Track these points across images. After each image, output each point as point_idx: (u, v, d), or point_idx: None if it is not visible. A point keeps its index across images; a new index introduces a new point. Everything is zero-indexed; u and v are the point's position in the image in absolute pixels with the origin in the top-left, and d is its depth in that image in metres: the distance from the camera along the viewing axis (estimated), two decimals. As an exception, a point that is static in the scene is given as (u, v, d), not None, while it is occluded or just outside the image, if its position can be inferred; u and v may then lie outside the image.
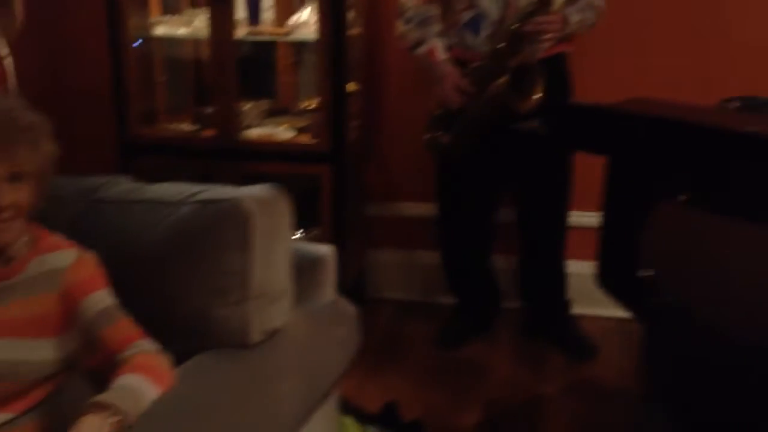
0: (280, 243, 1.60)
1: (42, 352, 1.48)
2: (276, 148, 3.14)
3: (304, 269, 1.75)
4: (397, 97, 3.37)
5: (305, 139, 3.18)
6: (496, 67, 2.72)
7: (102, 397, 1.32)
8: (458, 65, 2.81)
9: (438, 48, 2.83)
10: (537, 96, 2.69)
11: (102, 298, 1.51)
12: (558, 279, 3.03)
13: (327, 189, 3.06)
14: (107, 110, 3.24)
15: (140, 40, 3.23)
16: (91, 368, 1.51)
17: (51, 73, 3.59)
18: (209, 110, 3.41)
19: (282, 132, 3.28)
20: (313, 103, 3.34)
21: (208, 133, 3.25)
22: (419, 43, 2.86)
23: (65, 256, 1.53)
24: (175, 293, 1.56)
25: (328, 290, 1.81)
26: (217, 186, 1.68)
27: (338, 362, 1.77)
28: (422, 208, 3.38)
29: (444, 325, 3.16)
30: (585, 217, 3.04)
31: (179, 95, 3.57)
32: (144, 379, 1.38)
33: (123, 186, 1.78)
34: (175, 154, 3.18)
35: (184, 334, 1.56)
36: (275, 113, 3.48)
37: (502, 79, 2.69)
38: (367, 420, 2.24)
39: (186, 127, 3.38)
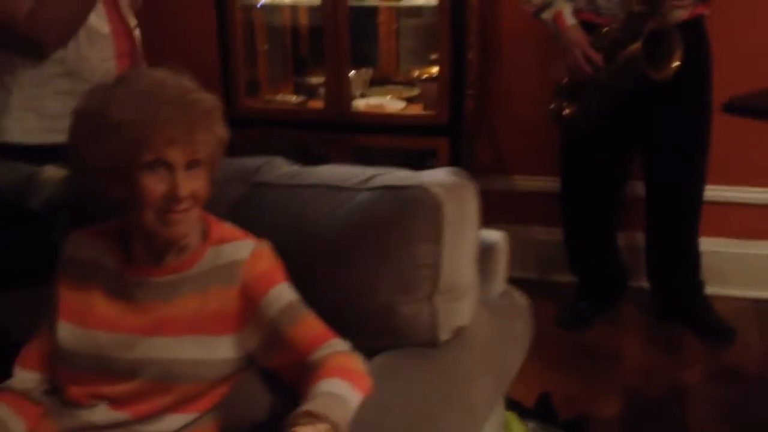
0: (468, 234, 1.47)
1: (222, 350, 1.38)
2: (387, 121, 3.00)
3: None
4: (513, 65, 3.20)
5: (417, 110, 3.03)
6: (629, 31, 2.53)
7: (313, 407, 1.21)
8: (587, 30, 2.63)
9: (565, 12, 2.65)
10: (675, 64, 2.51)
11: (283, 293, 1.39)
12: (691, 258, 2.87)
13: (443, 163, 2.91)
14: (213, 82, 3.12)
15: (262, 1, 3.12)
16: (273, 368, 1.40)
17: (154, 44, 3.47)
18: (312, 80, 3.29)
19: (390, 103, 3.14)
20: (425, 72, 3.19)
21: (315, 104, 3.12)
22: (544, 6, 2.68)
23: (242, 248, 1.42)
24: (360, 287, 1.43)
25: (499, 280, 1.67)
26: (388, 170, 1.55)
27: (516, 359, 1.64)
28: (537, 182, 3.22)
29: (565, 305, 3.02)
30: (719, 191, 2.88)
31: (278, 65, 3.44)
32: (346, 385, 1.27)
33: (283, 168, 1.66)
34: (282, 127, 3.06)
35: (367, 332, 1.44)
36: (377, 83, 3.34)
37: (636, 45, 2.51)
38: (527, 415, 2.12)
39: (288, 98, 3.26)
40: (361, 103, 3.09)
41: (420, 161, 3.03)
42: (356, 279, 1.43)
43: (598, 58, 2.58)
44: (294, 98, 3.24)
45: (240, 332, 1.38)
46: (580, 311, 2.97)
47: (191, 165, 1.34)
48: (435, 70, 3.05)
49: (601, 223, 2.95)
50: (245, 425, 1.43)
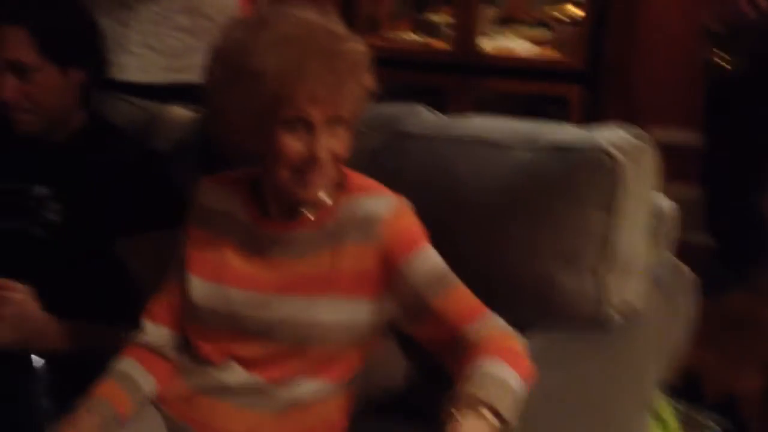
0: (644, 204, 1.30)
1: (358, 313, 1.27)
2: (516, 64, 2.81)
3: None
4: (655, 6, 2.94)
5: (549, 53, 2.82)
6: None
7: (475, 390, 1.08)
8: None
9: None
10: None
11: (428, 258, 1.26)
12: None
13: (576, 113, 2.71)
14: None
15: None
16: (417, 338, 1.28)
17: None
18: (435, 18, 3.11)
19: (518, 45, 2.94)
20: (558, 12, 2.97)
21: (438, 44, 2.95)
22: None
23: (381, 203, 1.28)
24: (515, 254, 1.29)
25: (667, 252, 1.50)
26: (552, 125, 1.38)
27: (683, 339, 1.47)
28: (672, 135, 2.98)
29: (701, 270, 2.80)
30: None
31: (398, 1, 3.27)
32: (509, 370, 1.13)
33: (428, 118, 1.51)
34: (401, 68, 2.90)
35: (521, 303, 1.30)
36: (503, 22, 3.13)
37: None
38: (674, 395, 1.96)
39: (408, 36, 3.09)
40: (487, 44, 2.90)
41: (544, 108, 2.84)
42: (511, 245, 1.29)
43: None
44: (415, 37, 3.08)
45: (377, 296, 1.26)
46: (718, 277, 2.75)
47: (333, 122, 1.22)
48: (571, 9, 2.83)
49: (747, 182, 2.70)
50: (382, 396, 1.32)
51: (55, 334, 1.50)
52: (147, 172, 1.65)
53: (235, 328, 1.29)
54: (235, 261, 1.32)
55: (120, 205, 1.59)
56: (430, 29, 3.07)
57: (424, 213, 1.29)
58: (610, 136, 1.29)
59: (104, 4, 1.93)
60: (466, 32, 2.77)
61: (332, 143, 1.22)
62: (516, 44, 2.92)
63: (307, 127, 1.20)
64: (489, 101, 2.85)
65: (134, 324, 1.37)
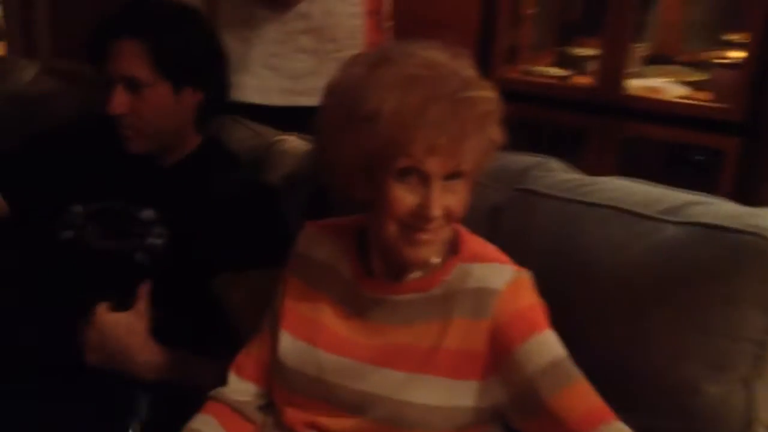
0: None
1: (463, 397, 1.12)
2: (665, 108, 2.57)
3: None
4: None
5: (703, 98, 2.57)
6: None
7: None
8: None
9: None
10: None
11: (547, 345, 1.09)
12: None
13: (731, 168, 2.45)
14: (469, 46, 2.83)
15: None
16: None
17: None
18: (580, 51, 2.91)
19: (669, 87, 2.70)
20: (717, 55, 2.71)
21: (581, 80, 2.75)
22: None
23: (498, 273, 1.13)
24: (654, 350, 1.11)
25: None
26: (705, 197, 1.19)
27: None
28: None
29: None
30: None
31: (541, 31, 3.09)
32: None
33: (560, 174, 1.34)
34: (540, 104, 2.72)
35: (655, 410, 1.11)
36: (653, 61, 2.89)
37: None
38: None
39: (547, 70, 2.91)
40: (634, 84, 2.68)
41: (694, 160, 2.60)
42: (649, 339, 1.11)
43: None
44: (555, 71, 2.89)
45: (484, 380, 1.11)
46: None
47: (452, 176, 1.08)
48: (732, 53, 2.57)
49: None
50: None
51: (148, 361, 1.42)
52: (256, 207, 1.57)
53: (324, 397, 1.17)
54: (330, 321, 1.20)
55: (225, 237, 1.50)
56: (573, 63, 2.88)
57: (546, 287, 1.13)
58: (774, 218, 1.09)
59: (228, 22, 1.87)
60: (612, 69, 2.56)
61: (448, 199, 1.08)
62: (667, 86, 2.69)
63: (422, 179, 1.07)
64: (632, 146, 2.63)
65: (225, 363, 1.28)
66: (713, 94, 2.55)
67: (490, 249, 1.18)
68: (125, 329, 1.41)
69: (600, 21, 2.62)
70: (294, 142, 1.73)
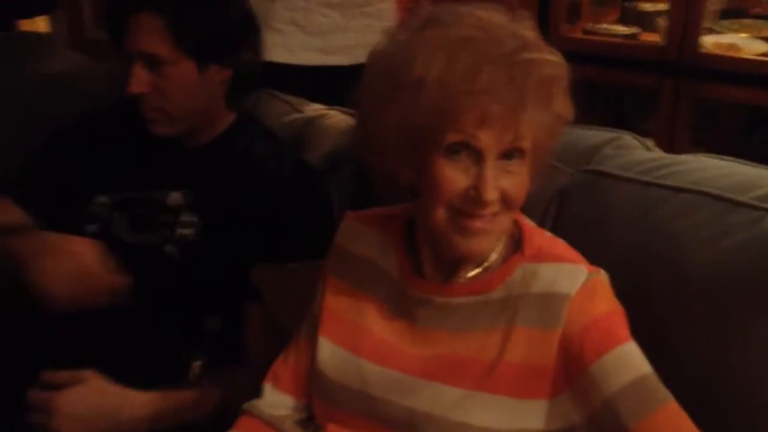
0: None
1: (529, 419, 0.97)
2: (744, 67, 2.35)
3: None
4: None
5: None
6: None
7: None
8: None
9: None
10: None
11: (628, 360, 0.93)
12: None
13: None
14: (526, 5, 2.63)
15: None
16: None
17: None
18: (648, 6, 2.69)
19: (746, 43, 2.46)
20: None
21: (650, 37, 2.54)
22: None
23: (570, 276, 0.97)
24: (757, 365, 0.93)
25: None
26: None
27: None
28: None
29: None
30: None
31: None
32: None
33: (636, 153, 1.17)
34: (605, 65, 2.51)
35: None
36: (729, 15, 2.65)
37: None
38: None
39: (614, 28, 2.69)
40: (708, 41, 2.45)
41: None
42: (753, 352, 0.93)
43: None
44: (621, 28, 2.68)
45: (554, 398, 0.96)
46: None
47: (509, 155, 0.92)
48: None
49: None
50: None
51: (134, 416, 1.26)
52: (297, 190, 1.42)
53: (369, 413, 1.03)
54: (376, 327, 1.06)
55: (263, 224, 1.37)
56: (640, 20, 2.66)
57: (623, 288, 0.97)
58: None
59: None
60: (684, 25, 2.34)
61: (505, 182, 0.93)
62: (744, 42, 2.46)
63: (474, 156, 0.92)
64: (707, 110, 2.41)
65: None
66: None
67: (560, 246, 1.02)
68: (91, 396, 1.25)
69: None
70: (335, 117, 1.58)
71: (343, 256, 1.12)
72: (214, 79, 1.41)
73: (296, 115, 1.63)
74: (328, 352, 1.07)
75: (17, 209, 1.49)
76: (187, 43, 1.36)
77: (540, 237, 1.02)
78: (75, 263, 1.29)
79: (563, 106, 0.95)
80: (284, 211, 1.38)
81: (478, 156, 0.92)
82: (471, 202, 0.93)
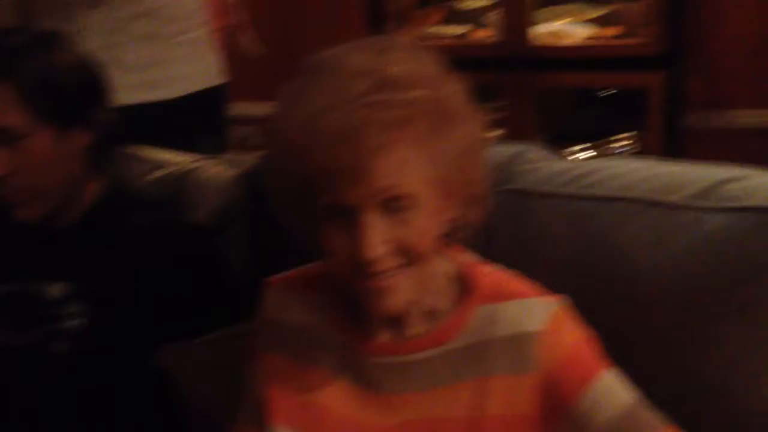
0: None
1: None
2: (571, 53, 2.43)
3: None
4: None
5: (612, 33, 2.44)
6: None
7: None
8: None
9: None
10: None
11: (613, 391, 0.90)
12: None
13: (655, 104, 2.33)
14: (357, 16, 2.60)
15: None
16: None
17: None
18: (471, 3, 2.73)
19: (572, 29, 2.55)
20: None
21: (482, 34, 2.57)
22: None
23: (533, 311, 0.93)
24: (728, 375, 0.93)
25: None
26: (733, 168, 1.02)
27: None
28: (758, 117, 2.62)
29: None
30: None
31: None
32: None
33: (548, 165, 1.15)
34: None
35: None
36: (548, 3, 2.74)
37: None
38: None
39: (443, 29, 2.71)
40: (537, 31, 2.51)
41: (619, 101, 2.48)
42: (717, 359, 0.93)
43: None
44: (450, 29, 2.70)
45: None
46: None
47: (391, 206, 0.85)
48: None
49: None
50: None
51: None
52: (188, 257, 1.31)
53: None
54: (333, 402, 0.97)
55: (158, 301, 1.24)
56: (469, 18, 2.69)
57: (578, 310, 0.94)
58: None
59: (43, 12, 1.59)
60: (513, 20, 2.39)
61: (399, 232, 0.85)
62: (570, 27, 2.54)
63: (349, 215, 0.84)
64: (546, 95, 2.47)
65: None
66: (624, 28, 2.42)
67: (515, 280, 0.97)
68: None
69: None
70: (211, 169, 1.47)
71: (275, 329, 1.02)
72: (76, 145, 1.27)
73: (161, 172, 1.50)
74: (292, 441, 0.97)
75: None
76: (44, 109, 1.20)
77: (491, 274, 0.97)
78: None
79: (459, 134, 0.87)
80: (177, 282, 1.27)
81: (352, 214, 0.84)
82: (360, 264, 0.86)
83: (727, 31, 2.58)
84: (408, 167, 0.84)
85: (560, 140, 2.55)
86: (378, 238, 0.84)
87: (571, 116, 2.72)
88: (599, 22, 2.52)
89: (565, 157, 1.18)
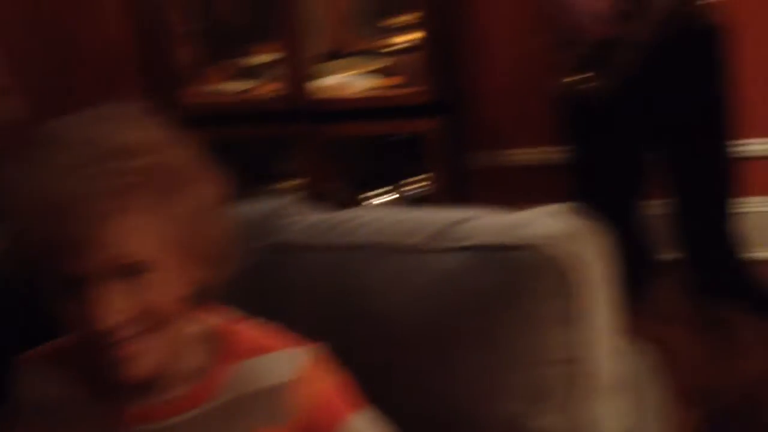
0: (604, 302, 1.05)
1: None
2: (358, 104, 2.53)
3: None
4: (486, 29, 2.74)
5: (394, 83, 2.55)
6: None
7: None
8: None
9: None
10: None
11: (363, 427, 0.95)
12: (721, 221, 2.52)
13: (436, 147, 2.46)
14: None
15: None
16: None
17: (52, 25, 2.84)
18: (256, 60, 2.77)
19: (355, 80, 2.65)
20: (394, 40, 2.70)
21: (269, 88, 2.62)
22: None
23: (284, 362, 0.96)
24: (467, 396, 1.01)
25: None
26: (466, 210, 1.11)
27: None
28: (531, 155, 2.83)
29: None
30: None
31: (210, 46, 2.89)
32: None
33: (305, 217, 1.19)
34: (230, 123, 2.55)
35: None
36: (332, 57, 2.83)
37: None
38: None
39: (229, 85, 2.74)
40: (320, 85, 2.59)
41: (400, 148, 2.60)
42: (459, 379, 1.01)
43: (610, 10, 2.14)
44: (235, 85, 2.73)
45: None
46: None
47: (127, 272, 0.85)
48: (402, 37, 2.58)
49: (623, 192, 2.55)
50: None
51: None
52: None
53: None
54: None
55: None
56: (254, 74, 2.74)
57: (342, 354, 0.98)
58: (546, 225, 1.02)
59: None
60: (297, 72, 2.46)
61: (136, 299, 0.86)
62: (353, 80, 2.64)
63: (78, 285, 0.85)
64: (335, 145, 2.55)
65: None
66: (403, 78, 2.54)
67: (271, 334, 0.99)
68: None
69: (270, 26, 2.51)
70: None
71: (30, 408, 0.99)
72: None
73: None
74: None
75: None
76: None
77: (247, 330, 0.99)
78: None
79: (190, 196, 0.89)
80: None
81: (84, 285, 0.84)
82: (97, 335, 0.86)
83: (499, 80, 2.78)
84: (139, 234, 0.84)
85: (360, 186, 2.65)
86: (113, 306, 0.84)
87: (368, 162, 2.81)
88: (382, 73, 2.63)
89: (322, 208, 1.22)
